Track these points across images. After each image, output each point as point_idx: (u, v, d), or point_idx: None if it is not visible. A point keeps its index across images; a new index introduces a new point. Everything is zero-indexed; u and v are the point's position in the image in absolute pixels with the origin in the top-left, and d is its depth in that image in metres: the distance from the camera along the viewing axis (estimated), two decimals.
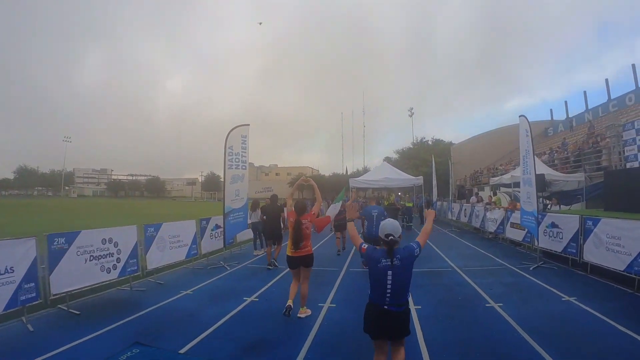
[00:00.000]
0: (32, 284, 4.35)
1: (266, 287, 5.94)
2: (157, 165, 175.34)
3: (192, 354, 3.48)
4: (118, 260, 5.67)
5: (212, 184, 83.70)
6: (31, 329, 4.09)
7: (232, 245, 9.45)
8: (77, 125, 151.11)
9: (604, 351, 3.40)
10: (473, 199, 16.15)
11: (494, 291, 5.47)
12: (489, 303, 4.91)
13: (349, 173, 53.28)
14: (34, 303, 4.42)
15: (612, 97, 20.41)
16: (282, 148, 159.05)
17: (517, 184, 11.51)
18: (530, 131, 7.53)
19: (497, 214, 11.18)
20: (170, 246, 6.99)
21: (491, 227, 11.47)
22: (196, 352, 3.50)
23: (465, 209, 15.20)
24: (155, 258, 6.58)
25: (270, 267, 7.37)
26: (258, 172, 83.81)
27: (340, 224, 9.34)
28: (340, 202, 9.16)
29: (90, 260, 5.19)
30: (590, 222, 6.35)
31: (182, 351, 3.51)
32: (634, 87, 18.69)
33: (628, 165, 10.66)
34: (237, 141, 7.82)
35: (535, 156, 7.89)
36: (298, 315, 4.41)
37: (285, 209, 6.85)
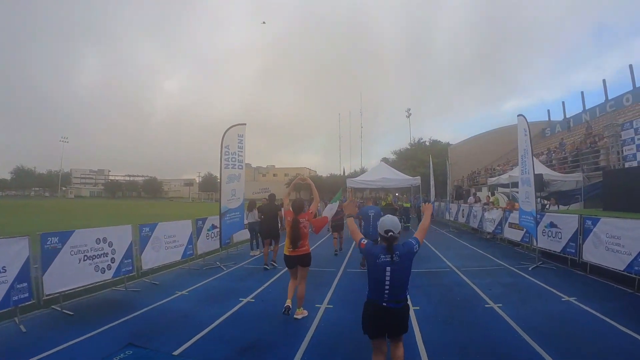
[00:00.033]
0: (25, 284, 4.28)
1: (262, 287, 5.89)
2: (154, 166, 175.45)
3: (186, 355, 3.42)
4: (112, 260, 5.60)
5: (210, 185, 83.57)
6: (24, 329, 4.02)
7: (228, 245, 9.39)
8: (75, 125, 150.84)
9: (604, 351, 3.38)
10: (471, 199, 16.15)
11: (493, 292, 5.43)
12: (488, 303, 4.87)
13: (346, 174, 53.26)
14: (27, 303, 4.35)
15: (609, 98, 20.51)
16: (280, 149, 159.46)
17: (515, 184, 11.53)
18: (529, 131, 7.51)
19: (495, 214, 11.16)
20: (166, 246, 6.93)
21: (489, 228, 11.44)
22: (191, 354, 3.44)
23: (463, 210, 15.19)
24: (151, 258, 6.51)
25: (267, 268, 7.31)
26: (255, 173, 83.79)
27: (337, 224, 9.29)
28: (337, 203, 9.13)
29: (84, 260, 5.12)
30: (589, 222, 6.33)
31: (176, 353, 3.45)
32: (631, 88, 18.81)
33: (627, 165, 10.69)
34: (234, 140, 7.76)
35: (533, 156, 7.87)
36: (294, 316, 4.35)
37: (282, 208, 6.80)
